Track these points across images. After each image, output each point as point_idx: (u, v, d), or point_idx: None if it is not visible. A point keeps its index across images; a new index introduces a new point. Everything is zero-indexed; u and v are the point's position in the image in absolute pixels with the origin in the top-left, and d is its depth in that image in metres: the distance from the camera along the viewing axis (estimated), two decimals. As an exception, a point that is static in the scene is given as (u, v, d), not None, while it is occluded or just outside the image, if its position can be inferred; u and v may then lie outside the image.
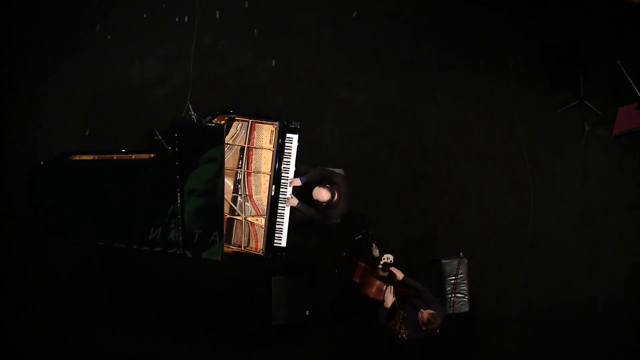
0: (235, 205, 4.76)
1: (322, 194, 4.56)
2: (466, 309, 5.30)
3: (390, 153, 5.82)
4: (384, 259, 4.95)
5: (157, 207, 4.33)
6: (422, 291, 4.67)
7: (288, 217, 4.84)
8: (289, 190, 4.83)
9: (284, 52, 5.78)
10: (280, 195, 4.79)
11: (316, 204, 4.73)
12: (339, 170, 5.14)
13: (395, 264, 4.91)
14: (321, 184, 4.68)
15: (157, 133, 5.28)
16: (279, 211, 4.80)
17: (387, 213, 5.77)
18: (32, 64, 5.58)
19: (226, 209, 4.69)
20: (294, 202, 4.79)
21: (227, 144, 4.69)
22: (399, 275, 4.74)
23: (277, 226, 4.79)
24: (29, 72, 5.58)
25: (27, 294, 5.48)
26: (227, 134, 4.70)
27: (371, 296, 4.72)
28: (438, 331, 4.34)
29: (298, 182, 4.79)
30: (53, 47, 5.59)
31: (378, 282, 4.71)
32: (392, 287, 4.53)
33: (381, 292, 4.70)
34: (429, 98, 5.90)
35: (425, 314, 4.34)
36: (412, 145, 5.85)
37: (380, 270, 4.95)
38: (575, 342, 5.77)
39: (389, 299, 4.51)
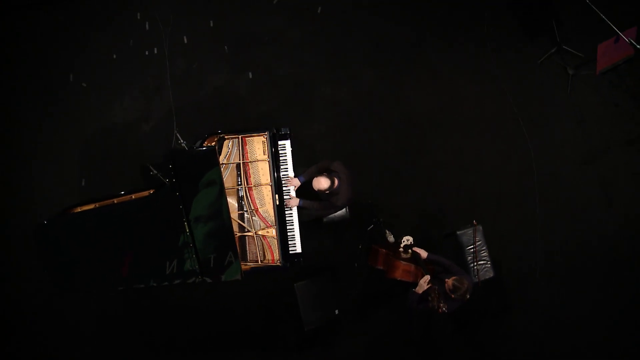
0: (244, 222, 4.76)
1: (321, 183, 4.56)
2: (491, 274, 5.29)
3: (383, 138, 5.82)
4: (404, 241, 4.95)
5: (167, 240, 4.34)
6: (448, 265, 4.67)
7: (298, 223, 4.84)
8: (292, 191, 4.83)
9: (257, 62, 5.78)
10: (285, 197, 4.80)
11: (319, 195, 4.73)
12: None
13: (413, 244, 4.93)
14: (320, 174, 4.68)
15: (152, 168, 5.28)
16: (287, 219, 4.80)
17: (393, 197, 5.77)
18: (15, 127, 5.59)
19: (235, 228, 4.70)
20: (295, 201, 4.79)
21: (222, 163, 4.69)
22: (423, 254, 4.75)
23: (288, 234, 4.79)
24: (13, 137, 5.59)
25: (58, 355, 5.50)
26: (220, 154, 4.70)
27: (399, 279, 4.72)
28: (468, 296, 4.37)
29: (297, 182, 4.79)
30: (32, 106, 5.60)
31: (403, 263, 4.70)
32: (428, 276, 4.55)
33: (408, 272, 4.70)
34: (409, 77, 5.89)
35: (449, 281, 4.37)
36: (403, 125, 5.84)
37: (402, 253, 4.95)
38: (605, 283, 5.77)
39: (423, 287, 4.52)
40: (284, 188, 4.78)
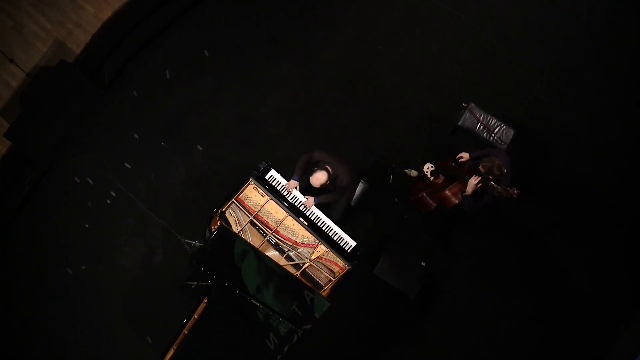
0: (294, 260, 4.78)
1: (320, 178, 4.57)
2: (512, 132, 5.29)
3: (339, 103, 5.83)
4: (426, 170, 4.95)
5: (250, 325, 4.37)
6: (487, 152, 4.70)
7: (334, 224, 4.85)
8: (299, 196, 4.82)
9: (196, 133, 5.78)
10: (301, 208, 4.80)
11: (326, 188, 4.74)
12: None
13: (434, 166, 4.97)
14: (310, 170, 4.70)
15: (190, 283, 5.29)
16: (323, 228, 4.80)
17: (385, 141, 5.77)
18: (57, 345, 5.60)
19: (292, 270, 4.71)
20: (311, 201, 4.79)
21: (239, 232, 4.70)
22: (465, 155, 4.77)
23: (334, 238, 4.80)
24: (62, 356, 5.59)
25: None
26: (230, 226, 4.71)
27: (458, 202, 4.69)
28: (505, 170, 4.40)
29: (294, 184, 4.79)
30: (56, 320, 5.57)
31: (446, 190, 4.69)
32: (474, 176, 4.49)
33: (458, 192, 4.66)
34: (316, 42, 5.91)
35: (480, 169, 4.42)
36: (345, 82, 5.85)
37: (436, 181, 4.94)
38: (601, 62, 5.82)
39: (473, 186, 4.47)
40: (286, 195, 4.78)
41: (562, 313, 5.61)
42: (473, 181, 4.47)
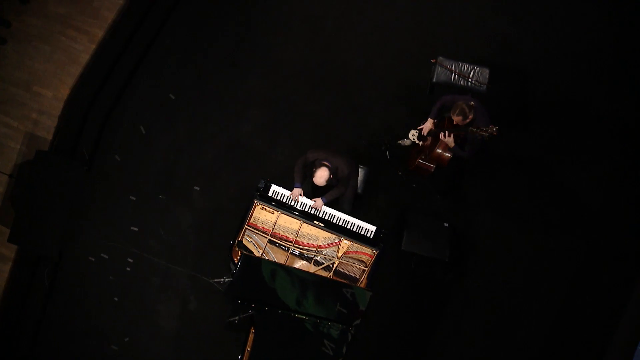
0: (323, 263, 4.78)
1: (323, 176, 4.57)
2: (487, 70, 5.28)
3: (315, 100, 5.84)
4: (412, 137, 5.04)
5: (302, 339, 4.39)
6: (444, 102, 4.79)
7: (348, 215, 4.86)
8: (307, 201, 4.83)
9: (189, 176, 5.77)
10: (313, 212, 4.82)
11: (332, 183, 4.75)
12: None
13: (419, 131, 5.03)
14: (310, 172, 4.71)
15: (232, 319, 5.28)
16: (341, 224, 4.81)
17: (371, 119, 5.79)
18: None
19: (324, 273, 4.72)
20: (320, 202, 4.80)
21: (262, 254, 4.71)
22: (429, 124, 4.85)
23: (354, 229, 4.81)
24: None
25: None
26: (251, 252, 4.72)
27: (451, 155, 4.78)
28: (472, 103, 4.50)
29: (298, 191, 4.80)
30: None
31: (437, 149, 4.78)
32: (442, 133, 4.61)
33: (447, 147, 4.73)
34: (274, 48, 5.92)
35: (453, 117, 4.52)
36: (312, 79, 5.86)
37: (425, 144, 4.99)
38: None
39: (450, 141, 4.61)
40: (294, 204, 4.80)
41: (590, 235, 5.66)
42: (442, 137, 4.61)
